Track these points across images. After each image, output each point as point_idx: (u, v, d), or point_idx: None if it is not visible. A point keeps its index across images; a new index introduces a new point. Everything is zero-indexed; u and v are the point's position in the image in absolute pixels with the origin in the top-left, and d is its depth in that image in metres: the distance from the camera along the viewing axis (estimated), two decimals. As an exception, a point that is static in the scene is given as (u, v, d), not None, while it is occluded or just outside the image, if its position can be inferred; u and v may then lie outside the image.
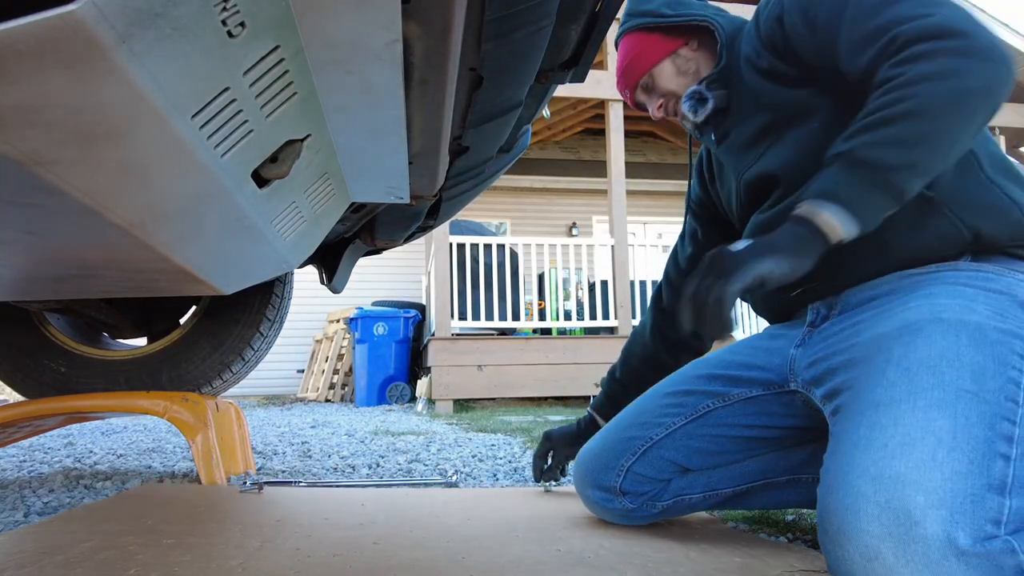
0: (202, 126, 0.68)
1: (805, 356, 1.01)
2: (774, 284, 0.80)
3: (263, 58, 0.68)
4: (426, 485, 1.73)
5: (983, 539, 0.64)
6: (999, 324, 0.81)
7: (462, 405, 5.41)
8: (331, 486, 1.70)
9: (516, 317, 5.88)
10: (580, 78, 1.14)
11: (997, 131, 6.67)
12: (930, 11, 0.84)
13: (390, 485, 1.74)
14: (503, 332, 5.88)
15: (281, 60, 0.71)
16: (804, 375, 1.01)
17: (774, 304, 1.12)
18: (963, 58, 0.79)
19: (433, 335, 5.49)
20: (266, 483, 1.63)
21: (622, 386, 1.40)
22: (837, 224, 0.80)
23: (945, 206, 0.92)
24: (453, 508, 1.36)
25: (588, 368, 5.45)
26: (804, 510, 1.32)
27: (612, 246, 6.05)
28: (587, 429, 1.41)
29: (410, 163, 1.16)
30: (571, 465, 1.35)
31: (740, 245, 0.82)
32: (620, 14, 1.07)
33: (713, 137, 1.19)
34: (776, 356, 1.06)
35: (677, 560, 0.97)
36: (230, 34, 0.60)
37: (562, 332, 6.29)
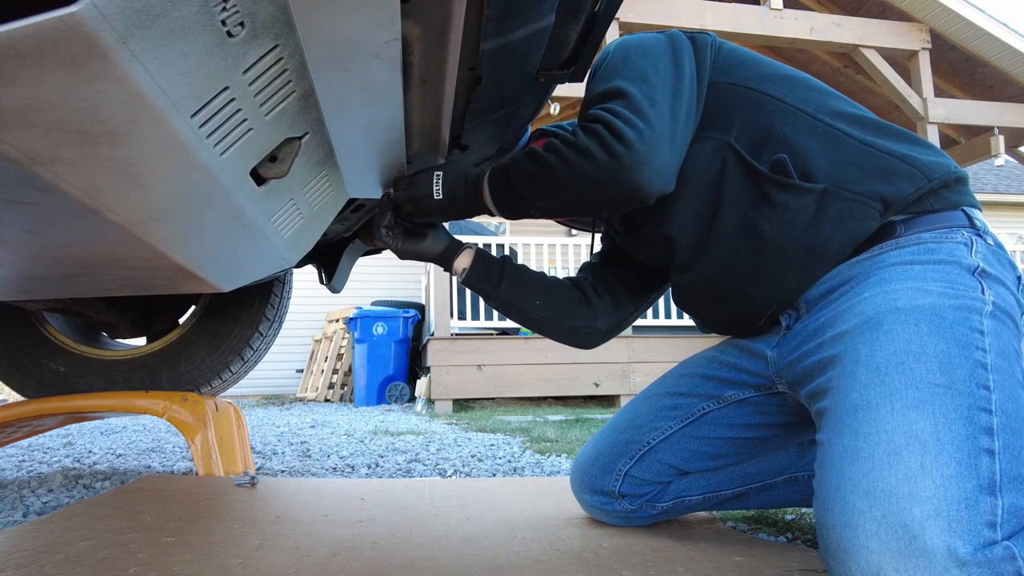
0: (201, 125, 0.68)
1: (782, 358, 1.01)
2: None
3: (262, 57, 0.68)
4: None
5: (982, 546, 0.63)
6: (953, 301, 0.81)
7: (461, 405, 5.41)
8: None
9: (515, 317, 5.86)
10: (579, 78, 1.14)
11: (996, 130, 6.67)
12: (607, 87, 1.00)
13: (389, 484, 1.73)
14: (503, 332, 5.88)
15: (280, 59, 0.71)
16: (787, 377, 1.01)
17: (746, 331, 1.10)
18: (580, 157, 0.96)
19: (432, 335, 5.49)
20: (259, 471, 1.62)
21: (511, 268, 1.22)
22: (489, 200, 1.08)
23: (841, 190, 0.93)
24: (453, 505, 1.36)
25: (587, 368, 5.45)
26: (803, 509, 1.32)
27: (611, 246, 6.03)
28: (452, 246, 1.21)
29: (408, 163, 1.16)
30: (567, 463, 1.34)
31: (435, 183, 1.10)
32: (619, 15, 1.07)
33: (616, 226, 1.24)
34: (759, 359, 1.06)
35: (676, 559, 0.97)
36: (229, 34, 0.61)
37: (561, 332, 6.27)
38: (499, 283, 1.19)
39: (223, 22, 0.59)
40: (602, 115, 0.95)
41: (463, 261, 1.19)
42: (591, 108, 1.00)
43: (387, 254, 1.51)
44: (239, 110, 0.72)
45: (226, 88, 0.67)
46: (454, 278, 5.95)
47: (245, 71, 0.67)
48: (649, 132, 0.93)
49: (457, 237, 1.25)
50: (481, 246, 1.23)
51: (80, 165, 0.66)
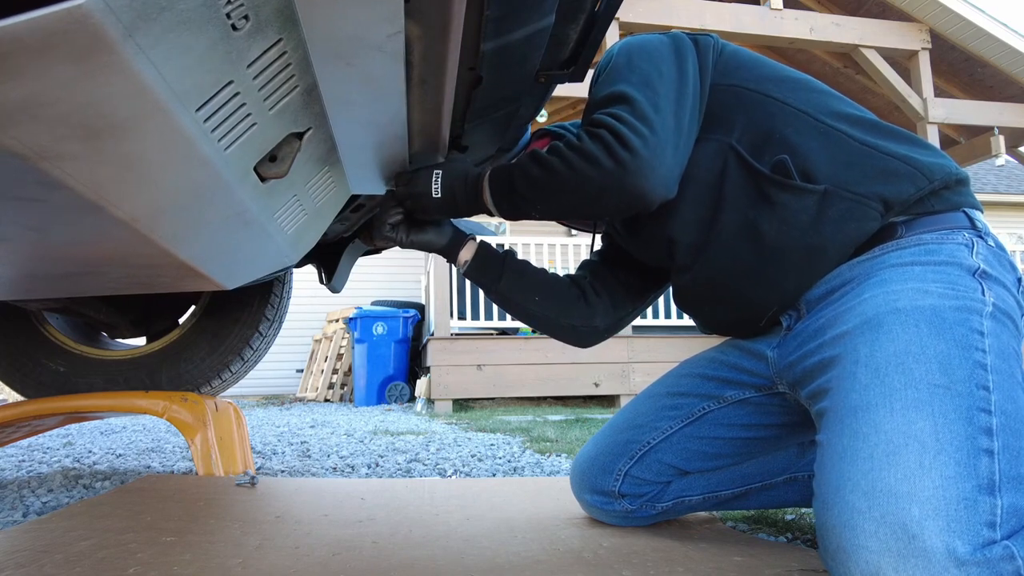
0: (206, 119, 0.68)
1: (783, 358, 1.01)
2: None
3: (266, 51, 0.68)
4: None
5: (981, 546, 0.63)
6: (953, 302, 0.81)
7: (461, 405, 5.41)
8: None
9: (515, 317, 5.86)
10: (579, 78, 1.14)
11: (996, 131, 6.68)
12: (612, 90, 1.00)
13: (390, 484, 1.73)
14: (502, 332, 5.88)
15: (283, 53, 0.71)
16: (787, 377, 1.01)
17: (747, 331, 1.10)
18: (585, 163, 0.97)
19: (432, 335, 5.48)
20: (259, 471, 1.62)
21: (513, 263, 1.23)
22: (489, 201, 1.08)
23: (841, 190, 0.93)
24: (453, 505, 1.36)
25: (587, 368, 5.45)
26: (803, 509, 1.32)
27: (611, 246, 6.03)
28: (456, 238, 1.22)
29: (409, 163, 1.16)
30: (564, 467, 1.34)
31: (435, 184, 1.11)
32: (619, 14, 1.08)
33: (616, 227, 1.24)
34: (759, 360, 1.06)
35: (675, 559, 0.97)
36: (234, 27, 0.61)
37: (561, 332, 6.26)
38: (499, 277, 1.20)
39: (228, 15, 0.59)
40: (607, 120, 0.95)
41: (466, 253, 1.21)
42: (595, 112, 1.00)
43: (387, 254, 1.51)
44: (243, 104, 0.72)
45: (230, 82, 0.67)
46: (454, 277, 5.95)
47: (249, 65, 0.67)
48: (654, 139, 0.93)
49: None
50: None
51: (85, 160, 0.66)
